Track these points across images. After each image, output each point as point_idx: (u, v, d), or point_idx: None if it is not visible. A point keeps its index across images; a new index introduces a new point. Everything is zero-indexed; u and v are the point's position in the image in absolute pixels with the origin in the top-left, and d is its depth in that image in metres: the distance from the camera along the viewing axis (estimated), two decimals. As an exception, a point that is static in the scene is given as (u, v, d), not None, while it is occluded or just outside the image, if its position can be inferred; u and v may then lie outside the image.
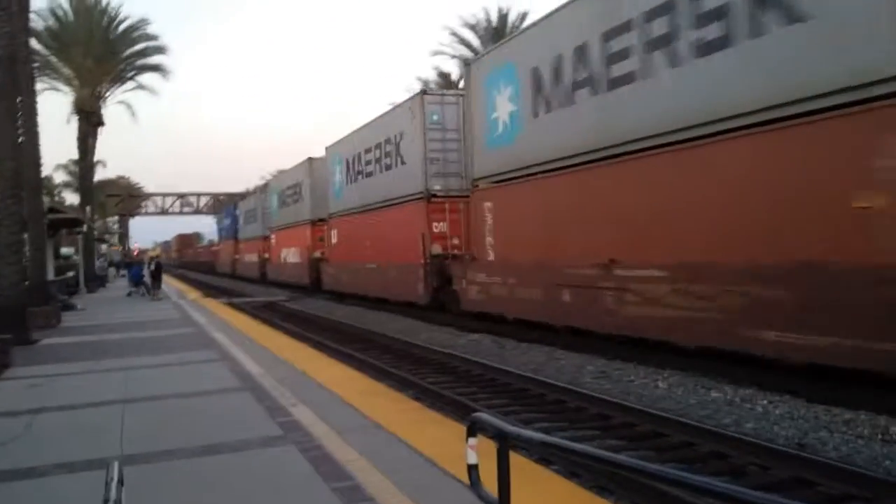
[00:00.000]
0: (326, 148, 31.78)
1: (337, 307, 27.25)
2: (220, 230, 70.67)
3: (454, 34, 44.14)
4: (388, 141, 23.76)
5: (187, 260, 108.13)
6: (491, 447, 3.30)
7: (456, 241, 20.24)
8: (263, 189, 49.54)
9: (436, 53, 45.56)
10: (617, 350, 12.91)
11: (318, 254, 32.81)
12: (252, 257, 50.61)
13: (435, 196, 20.88)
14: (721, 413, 8.90)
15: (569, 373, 12.01)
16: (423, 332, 18.33)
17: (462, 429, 3.77)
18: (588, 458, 2.88)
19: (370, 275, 25.42)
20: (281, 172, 40.62)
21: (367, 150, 25.99)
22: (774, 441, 7.48)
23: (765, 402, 9.13)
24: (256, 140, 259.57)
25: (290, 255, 37.88)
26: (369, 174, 25.89)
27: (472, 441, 3.51)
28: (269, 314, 24.66)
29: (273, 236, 42.92)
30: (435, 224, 20.75)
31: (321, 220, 32.45)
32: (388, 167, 23.86)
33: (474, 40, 43.64)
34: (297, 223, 36.69)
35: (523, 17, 43.08)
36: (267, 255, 44.95)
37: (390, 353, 15.03)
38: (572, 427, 8.56)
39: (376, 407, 7.54)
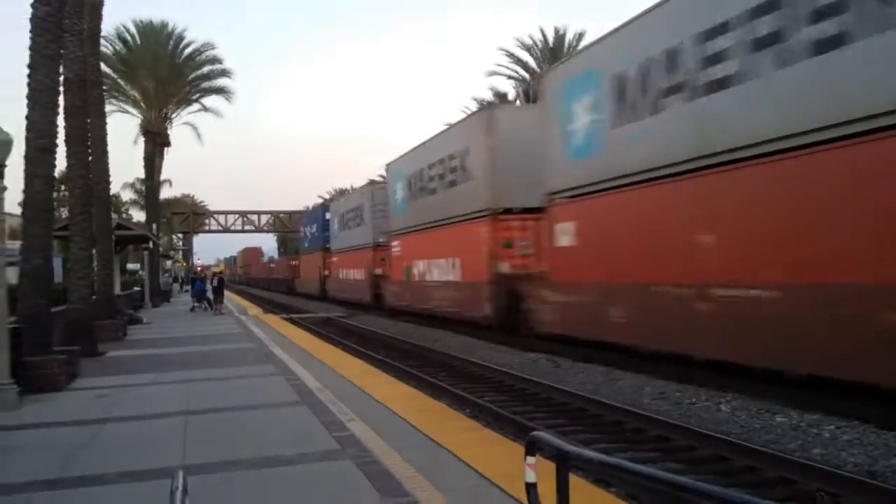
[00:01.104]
0: (540, 76, 18.66)
1: (390, 324, 27.33)
2: (302, 240, 58.82)
3: (510, 55, 44.30)
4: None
5: (256, 276, 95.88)
6: (547, 466, 3.26)
7: None
8: (376, 184, 37.43)
9: (492, 74, 45.57)
10: (676, 371, 12.64)
11: (504, 267, 19.92)
12: (355, 274, 37.58)
13: None
14: (786, 438, 8.64)
15: (627, 394, 11.81)
16: (480, 350, 18.27)
17: (518, 448, 3.75)
18: (650, 480, 2.83)
19: (723, 315, 11.17)
20: (414, 148, 27.86)
21: (704, 37, 11.49)
22: (843, 468, 7.21)
23: (832, 427, 8.82)
24: (314, 163, 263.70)
25: (438, 271, 24.65)
26: (719, 84, 11.21)
27: (530, 460, 3.49)
28: (326, 329, 24.91)
29: (396, 243, 29.63)
30: None
31: (509, 210, 19.87)
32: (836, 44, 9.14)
33: (531, 61, 43.73)
34: (451, 220, 22.93)
35: (580, 36, 43.00)
36: (381, 271, 32.61)
37: (447, 370, 15.02)
38: (631, 448, 8.41)
39: (433, 424, 7.53)
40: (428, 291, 25.28)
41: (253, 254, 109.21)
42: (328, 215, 45.67)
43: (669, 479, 2.59)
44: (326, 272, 45.26)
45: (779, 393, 10.42)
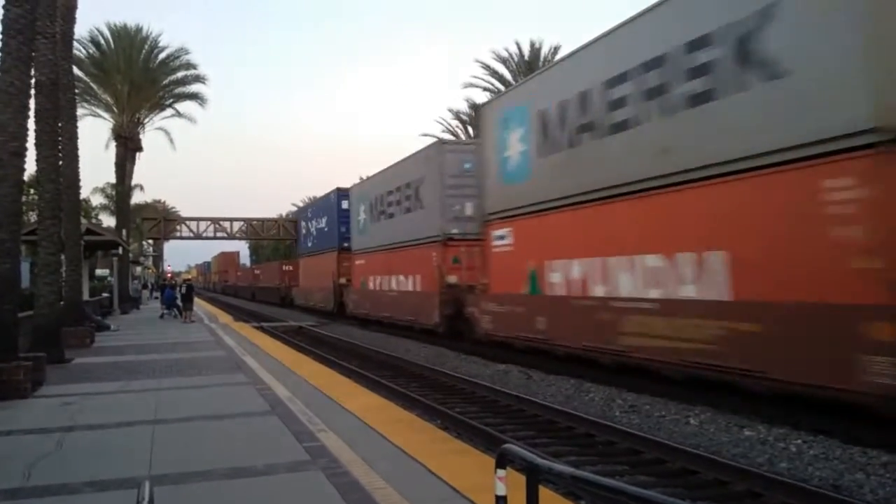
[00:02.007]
0: None
1: (362, 334, 27.20)
2: (303, 238, 45.69)
3: (486, 67, 44.61)
4: None
5: (236, 284, 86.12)
6: (518, 479, 3.27)
7: None
8: (445, 144, 24.74)
9: (468, 86, 45.81)
10: (647, 384, 12.72)
11: None
12: (403, 283, 25.73)
13: None
14: (754, 451, 8.74)
15: (598, 406, 11.87)
16: (451, 360, 18.26)
17: (489, 460, 3.75)
18: (619, 495, 2.85)
19: None
20: (556, 62, 19.58)
21: None
22: (809, 482, 7.31)
23: (799, 441, 8.94)
24: (286, 173, 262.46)
25: (634, 282, 12.48)
26: None
27: (500, 472, 3.49)
28: (297, 339, 24.74)
29: (502, 233, 17.59)
30: None
31: None
32: None
33: (507, 73, 44.06)
34: (686, 177, 11.15)
35: (555, 50, 43.34)
36: (455, 279, 21.72)
37: (418, 380, 14.99)
38: (602, 461, 8.45)
39: (403, 435, 7.51)
40: (607, 318, 13.14)
41: (230, 259, 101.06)
42: (346, 203, 34.41)
43: (637, 494, 2.61)
44: (344, 280, 34.14)
45: (747, 407, 10.54)
